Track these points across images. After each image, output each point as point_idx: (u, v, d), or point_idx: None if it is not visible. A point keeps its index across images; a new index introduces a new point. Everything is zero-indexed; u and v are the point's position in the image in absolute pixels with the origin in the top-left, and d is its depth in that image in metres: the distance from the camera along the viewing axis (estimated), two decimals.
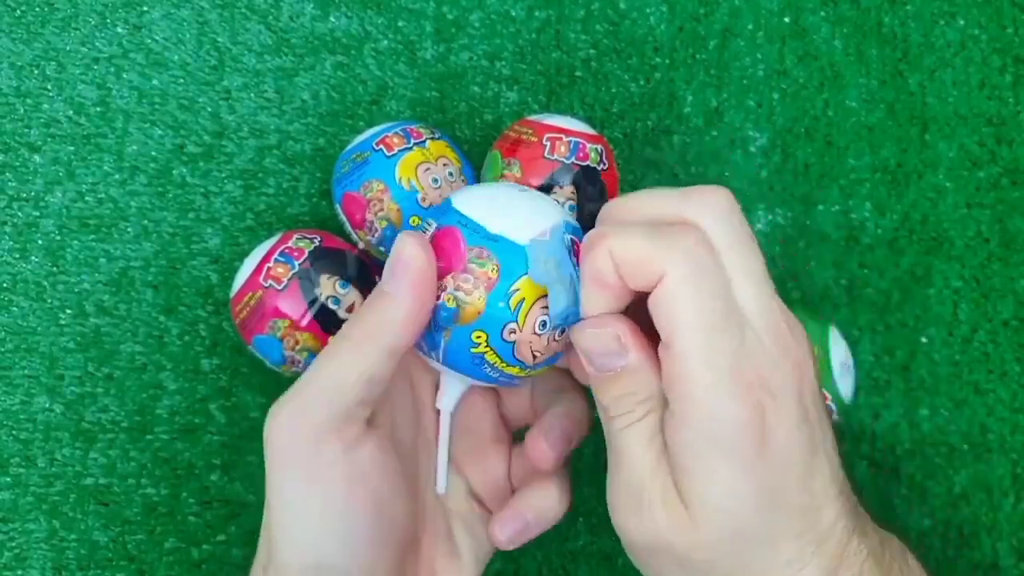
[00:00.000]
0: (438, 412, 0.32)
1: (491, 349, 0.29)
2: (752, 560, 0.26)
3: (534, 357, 0.29)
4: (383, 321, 0.27)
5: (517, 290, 0.28)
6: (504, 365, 0.29)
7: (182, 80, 0.45)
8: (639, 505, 0.26)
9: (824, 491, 0.26)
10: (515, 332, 0.28)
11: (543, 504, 0.32)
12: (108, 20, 0.45)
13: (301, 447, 0.27)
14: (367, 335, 0.27)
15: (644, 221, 0.27)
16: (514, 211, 0.29)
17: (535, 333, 0.28)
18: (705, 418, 0.25)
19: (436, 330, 0.29)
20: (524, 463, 0.33)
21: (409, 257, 0.27)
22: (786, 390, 0.26)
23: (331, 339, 0.29)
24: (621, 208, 0.28)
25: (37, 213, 0.43)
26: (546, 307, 0.28)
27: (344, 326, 0.29)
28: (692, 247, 0.26)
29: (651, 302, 0.26)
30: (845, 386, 0.39)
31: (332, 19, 0.45)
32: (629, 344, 0.27)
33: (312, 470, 0.27)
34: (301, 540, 0.27)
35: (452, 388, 0.31)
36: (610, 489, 0.28)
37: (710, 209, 0.26)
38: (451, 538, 0.33)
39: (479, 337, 0.28)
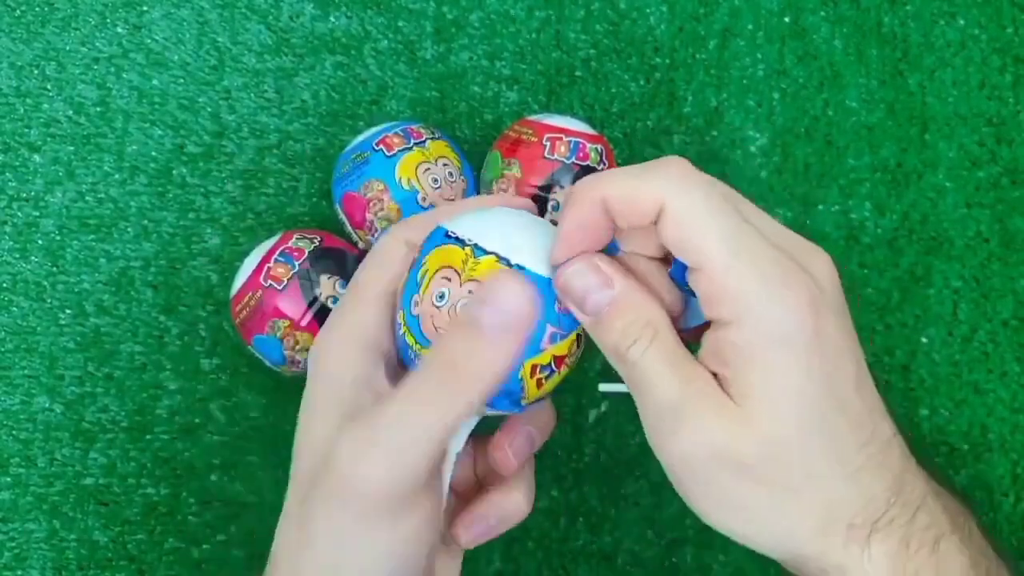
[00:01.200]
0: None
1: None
2: (816, 462, 0.25)
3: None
4: (488, 370, 0.24)
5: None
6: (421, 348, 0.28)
7: (182, 80, 0.45)
8: (683, 418, 0.25)
9: (876, 403, 0.26)
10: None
11: (507, 506, 0.31)
12: (108, 20, 0.45)
13: (389, 502, 0.25)
14: (471, 383, 0.24)
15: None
16: (528, 239, 0.28)
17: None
18: (760, 319, 0.24)
19: None
20: (486, 454, 0.33)
21: (522, 306, 0.24)
22: (826, 281, 0.26)
23: (413, 378, 0.25)
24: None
25: (37, 213, 0.43)
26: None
27: (433, 368, 0.25)
28: (688, 171, 0.26)
29: (666, 234, 0.25)
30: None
31: (332, 19, 0.45)
32: (611, 272, 0.26)
33: (393, 524, 0.25)
34: None
35: (465, 429, 0.30)
36: (646, 421, 0.26)
37: (677, 175, 0.26)
38: None
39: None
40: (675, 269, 0.28)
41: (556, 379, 0.29)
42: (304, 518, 0.26)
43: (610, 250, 0.28)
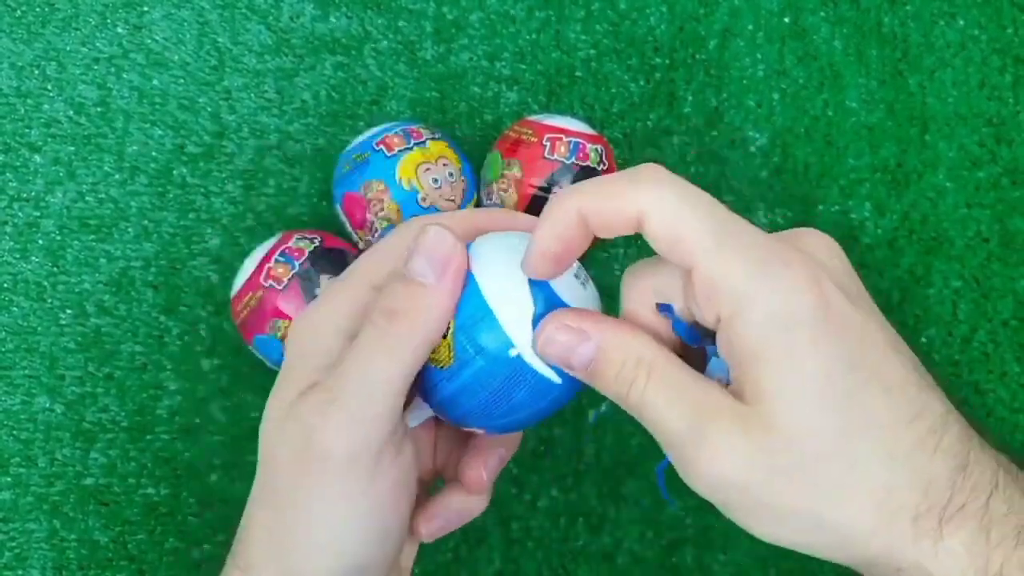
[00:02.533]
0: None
1: None
2: (856, 447, 0.23)
3: None
4: (428, 315, 0.25)
5: None
6: None
7: (182, 80, 0.45)
8: (701, 444, 0.24)
9: (920, 375, 0.24)
10: None
11: (467, 505, 0.31)
12: (108, 20, 0.45)
13: (357, 460, 0.25)
14: (415, 329, 0.25)
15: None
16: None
17: None
18: (761, 306, 0.23)
19: None
20: (447, 444, 0.33)
21: (451, 251, 0.26)
22: (825, 256, 0.25)
23: (360, 336, 0.26)
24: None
25: (38, 213, 0.43)
26: None
27: (376, 319, 0.26)
28: (662, 175, 0.24)
29: (653, 238, 0.24)
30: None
31: (332, 19, 0.46)
32: (583, 326, 0.26)
33: (367, 483, 0.25)
34: (343, 549, 0.26)
35: (423, 414, 0.30)
36: (670, 455, 0.25)
37: (654, 180, 0.25)
38: None
39: None
40: (679, 328, 0.27)
41: None
42: (277, 489, 0.26)
43: (688, 336, 0.27)
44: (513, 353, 0.26)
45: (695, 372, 0.25)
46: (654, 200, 0.24)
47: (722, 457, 0.23)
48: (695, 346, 0.27)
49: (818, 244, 0.25)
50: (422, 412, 0.29)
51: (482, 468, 0.30)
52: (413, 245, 0.26)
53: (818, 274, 0.23)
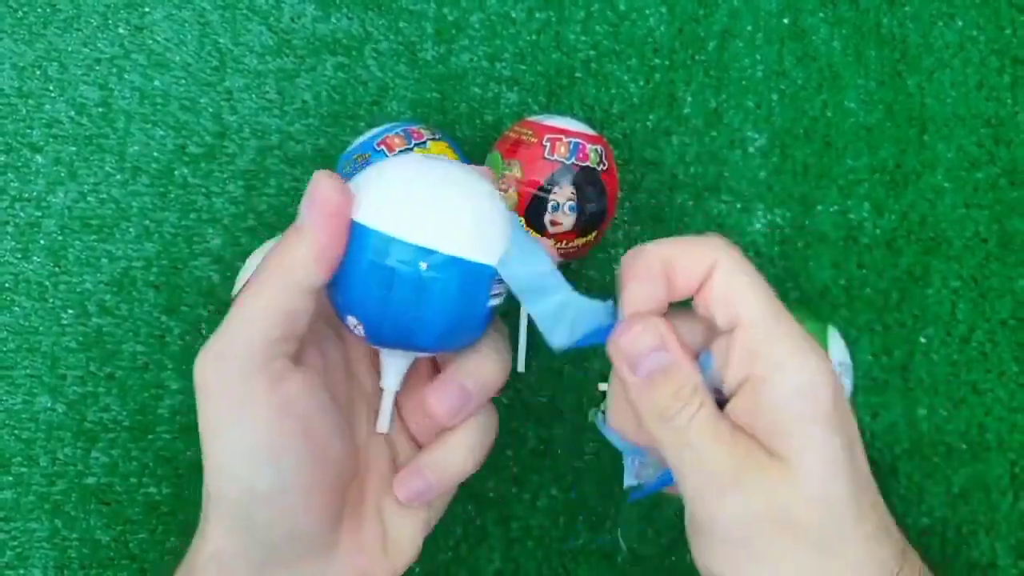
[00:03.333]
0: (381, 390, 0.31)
1: None
2: (846, 524, 0.26)
3: None
4: (295, 257, 0.27)
5: None
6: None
7: (184, 81, 0.45)
8: (736, 482, 0.26)
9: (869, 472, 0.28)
10: None
11: (446, 462, 0.31)
12: (110, 21, 0.45)
13: (227, 384, 0.27)
14: (279, 271, 0.28)
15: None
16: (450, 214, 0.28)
17: None
18: (793, 379, 0.26)
19: None
20: (418, 414, 0.33)
21: (322, 196, 0.28)
22: (830, 362, 0.28)
23: (249, 279, 0.29)
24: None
25: (39, 213, 0.43)
26: None
27: (259, 264, 0.29)
28: (727, 245, 0.28)
29: (709, 295, 0.28)
30: (843, 386, 0.39)
31: (333, 20, 0.46)
32: (669, 336, 0.28)
33: (239, 402, 0.27)
34: (234, 470, 0.28)
35: (394, 366, 0.31)
36: (688, 483, 0.28)
37: (723, 243, 0.29)
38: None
39: None
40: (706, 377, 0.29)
41: None
42: (200, 431, 0.28)
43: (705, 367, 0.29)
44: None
45: (729, 419, 0.28)
46: (725, 258, 0.27)
47: (754, 499, 0.26)
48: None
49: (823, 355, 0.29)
50: (396, 369, 0.31)
51: (432, 395, 0.30)
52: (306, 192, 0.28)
53: (833, 372, 0.27)
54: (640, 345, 0.28)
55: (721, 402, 0.28)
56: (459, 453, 0.31)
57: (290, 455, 0.28)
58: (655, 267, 0.28)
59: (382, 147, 0.39)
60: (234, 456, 0.28)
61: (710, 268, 0.27)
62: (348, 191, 0.28)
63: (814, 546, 0.26)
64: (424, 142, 0.40)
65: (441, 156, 0.35)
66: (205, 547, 0.29)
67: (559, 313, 0.28)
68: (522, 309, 0.31)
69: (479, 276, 0.27)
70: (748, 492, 0.26)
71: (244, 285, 0.29)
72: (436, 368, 0.33)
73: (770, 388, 0.27)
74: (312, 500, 0.29)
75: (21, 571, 0.41)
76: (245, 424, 0.27)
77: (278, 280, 0.28)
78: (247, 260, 0.39)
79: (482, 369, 0.30)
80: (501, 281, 0.28)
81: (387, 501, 0.32)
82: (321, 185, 0.28)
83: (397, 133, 0.40)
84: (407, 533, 0.32)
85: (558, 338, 0.28)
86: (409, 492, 0.31)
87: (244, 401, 0.27)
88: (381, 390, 0.31)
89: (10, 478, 0.41)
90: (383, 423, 0.31)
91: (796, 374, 0.26)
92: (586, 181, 0.39)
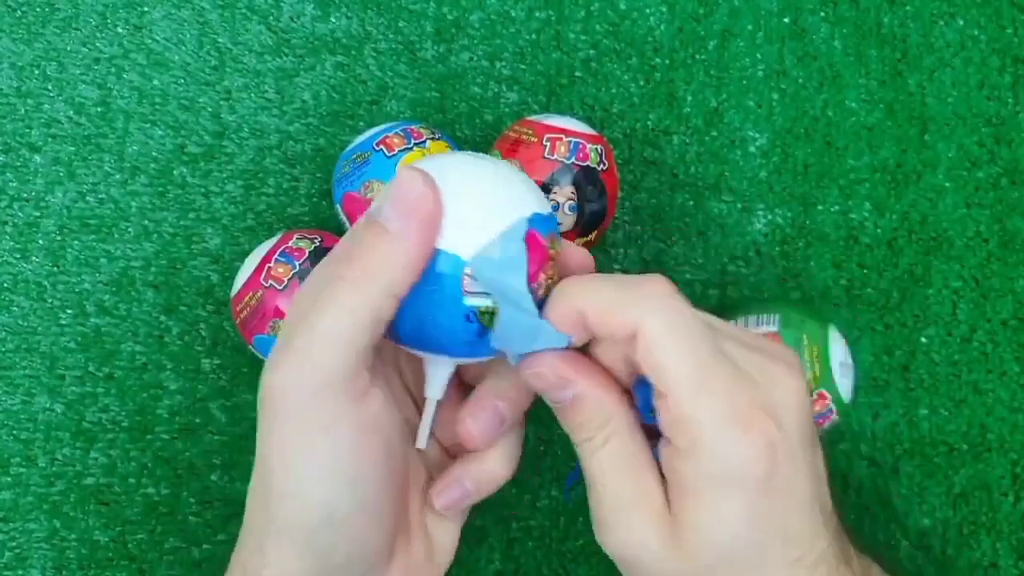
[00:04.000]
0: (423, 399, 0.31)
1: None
2: None
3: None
4: (385, 260, 0.25)
5: None
6: None
7: (183, 80, 0.45)
8: (626, 527, 0.26)
9: (819, 518, 0.26)
10: None
11: (483, 472, 0.31)
12: (109, 20, 0.45)
13: (309, 402, 0.25)
14: (372, 275, 0.25)
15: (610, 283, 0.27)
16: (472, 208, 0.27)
17: None
18: (714, 459, 0.25)
19: None
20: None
21: (419, 197, 0.25)
22: (790, 419, 0.26)
23: (315, 280, 0.26)
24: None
25: (38, 213, 0.43)
26: None
27: (332, 266, 0.26)
28: (666, 294, 0.26)
29: (635, 353, 0.26)
30: (844, 386, 0.39)
31: (332, 19, 0.46)
32: (571, 377, 0.27)
33: (324, 422, 0.25)
34: (312, 495, 0.26)
35: (439, 374, 0.30)
36: (592, 510, 0.28)
37: (656, 297, 0.26)
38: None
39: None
40: (644, 408, 0.28)
41: None
42: (258, 447, 0.27)
43: (645, 412, 0.28)
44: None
45: (650, 455, 0.27)
46: (652, 318, 0.25)
47: (634, 540, 0.26)
48: (646, 423, 0.28)
49: (789, 399, 0.27)
50: (440, 377, 0.30)
51: (469, 420, 0.29)
52: (387, 189, 0.26)
53: (775, 445, 0.25)
54: (545, 382, 0.27)
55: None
56: (498, 462, 0.31)
57: (369, 475, 0.27)
58: (570, 317, 0.26)
59: (381, 147, 0.39)
60: (313, 481, 0.26)
61: (633, 330, 0.25)
62: (439, 195, 0.26)
63: None
64: (424, 142, 0.39)
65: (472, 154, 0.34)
66: (266, 571, 0.27)
67: (518, 327, 0.27)
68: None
69: (448, 264, 0.26)
70: (629, 533, 0.26)
71: (316, 284, 0.26)
72: (460, 385, 0.33)
73: (689, 462, 0.25)
74: (380, 521, 0.28)
75: (20, 571, 0.41)
76: (327, 446, 0.26)
77: (371, 284, 0.25)
78: (246, 260, 0.39)
79: (517, 389, 0.30)
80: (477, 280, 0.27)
81: (427, 510, 0.32)
82: (417, 186, 0.25)
83: (397, 133, 0.40)
84: (448, 538, 0.32)
85: (510, 348, 0.27)
86: (448, 502, 0.31)
87: (330, 421, 0.25)
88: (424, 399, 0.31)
89: (8, 478, 0.41)
90: (422, 440, 0.31)
91: (714, 458, 0.25)
92: (586, 181, 0.39)
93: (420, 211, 0.25)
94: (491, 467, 0.31)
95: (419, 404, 0.32)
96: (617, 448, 0.27)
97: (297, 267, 0.37)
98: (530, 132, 0.39)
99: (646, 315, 0.25)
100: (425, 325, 0.27)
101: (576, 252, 0.30)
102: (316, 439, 0.25)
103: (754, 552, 0.26)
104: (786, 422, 0.26)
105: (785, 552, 0.26)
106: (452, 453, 0.33)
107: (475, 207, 0.27)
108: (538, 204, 0.28)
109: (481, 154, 0.29)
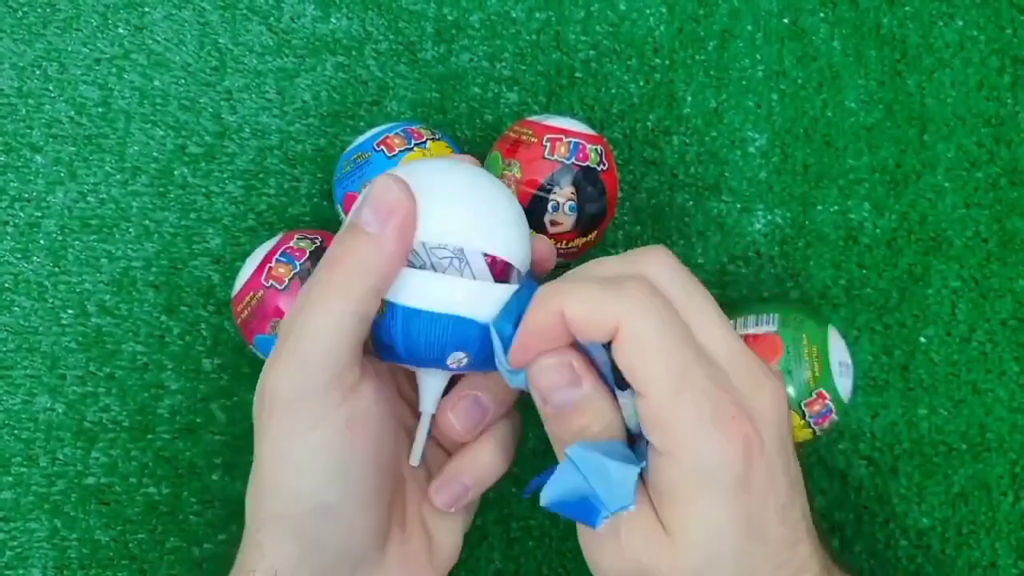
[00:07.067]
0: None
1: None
2: None
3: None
4: (369, 262, 0.27)
5: None
6: None
7: (183, 81, 0.45)
8: (616, 536, 0.26)
9: (800, 524, 0.27)
10: None
11: (477, 464, 0.31)
12: (110, 21, 0.45)
13: (304, 397, 0.27)
14: (354, 275, 0.27)
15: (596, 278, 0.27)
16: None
17: None
18: (691, 457, 0.25)
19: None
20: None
21: (394, 199, 0.27)
22: (767, 423, 0.26)
23: (307, 285, 0.28)
24: (569, 275, 0.28)
25: (39, 213, 0.43)
26: None
27: (322, 270, 0.28)
28: (646, 296, 0.26)
29: (616, 354, 0.26)
30: (843, 386, 0.39)
31: (333, 20, 0.46)
32: (583, 373, 0.27)
33: (315, 416, 0.27)
34: (301, 486, 0.27)
35: (432, 387, 0.31)
36: (581, 529, 0.28)
37: (655, 264, 0.27)
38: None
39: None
40: (609, 371, 0.28)
41: None
42: (254, 453, 0.28)
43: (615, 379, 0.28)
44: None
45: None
46: (632, 320, 0.25)
47: (627, 555, 0.26)
48: (614, 391, 0.28)
49: (767, 405, 0.27)
50: (433, 390, 0.31)
51: (449, 412, 0.30)
52: (364, 193, 0.28)
53: (751, 447, 0.25)
54: (551, 378, 0.27)
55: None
56: (491, 454, 0.31)
57: (357, 466, 0.28)
58: (549, 320, 0.26)
59: (382, 147, 0.39)
60: (303, 472, 0.27)
61: (614, 329, 0.26)
62: (414, 200, 0.28)
63: None
64: (424, 142, 0.40)
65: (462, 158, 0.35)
66: (262, 563, 0.28)
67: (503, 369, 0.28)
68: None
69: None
70: (623, 549, 0.26)
71: (307, 288, 0.28)
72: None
73: (666, 463, 0.26)
74: (369, 511, 0.29)
75: (21, 571, 0.41)
76: (316, 439, 0.27)
77: (353, 283, 0.27)
78: (247, 260, 0.39)
79: (496, 379, 0.30)
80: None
81: (427, 508, 0.32)
82: (393, 191, 0.27)
83: (397, 133, 0.40)
84: (450, 538, 0.32)
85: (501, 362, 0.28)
86: (447, 498, 0.31)
87: (319, 415, 0.27)
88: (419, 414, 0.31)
89: (10, 478, 0.41)
90: (416, 456, 0.31)
91: (691, 457, 0.25)
92: (586, 181, 0.39)
93: (396, 212, 0.27)
94: (485, 459, 0.31)
95: (411, 402, 0.32)
96: None
97: (298, 267, 0.37)
98: (530, 132, 0.40)
99: (626, 316, 0.25)
100: (415, 343, 0.28)
101: (537, 243, 0.31)
102: (305, 433, 0.27)
103: (741, 555, 0.26)
104: (762, 425, 0.26)
105: (769, 557, 0.26)
106: (450, 451, 0.33)
107: (448, 204, 0.28)
108: (507, 200, 0.30)
109: (452, 156, 0.31)
